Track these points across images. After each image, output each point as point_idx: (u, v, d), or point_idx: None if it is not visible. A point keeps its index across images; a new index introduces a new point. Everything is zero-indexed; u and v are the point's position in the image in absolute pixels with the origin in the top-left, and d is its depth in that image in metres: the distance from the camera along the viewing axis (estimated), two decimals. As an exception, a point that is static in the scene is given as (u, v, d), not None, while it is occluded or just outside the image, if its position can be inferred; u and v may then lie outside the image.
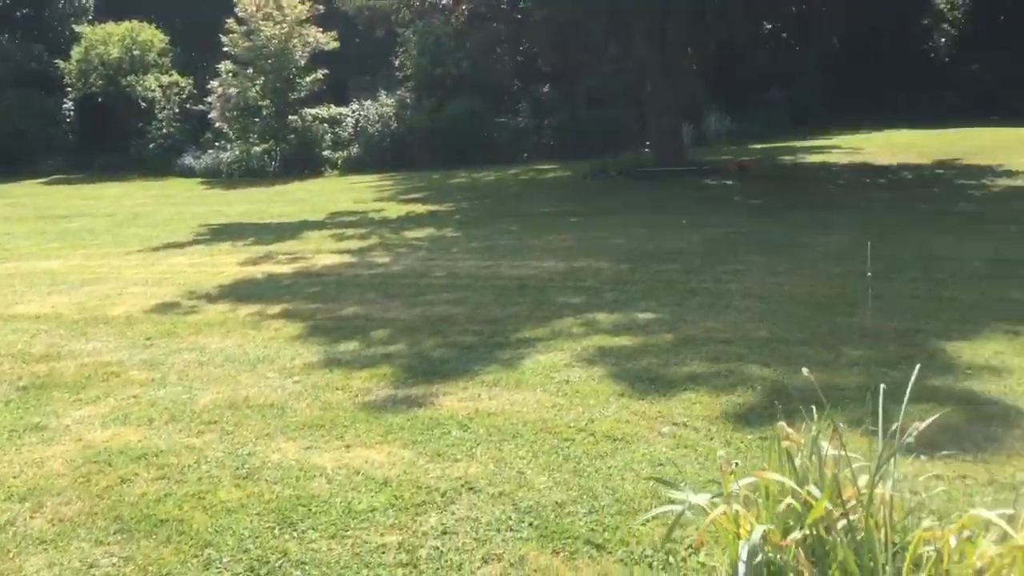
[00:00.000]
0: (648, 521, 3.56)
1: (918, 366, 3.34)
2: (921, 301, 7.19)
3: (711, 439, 4.59)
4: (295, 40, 23.90)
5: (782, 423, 2.87)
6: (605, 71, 24.58)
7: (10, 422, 5.22)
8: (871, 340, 6.14)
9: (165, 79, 27.03)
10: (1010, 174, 16.08)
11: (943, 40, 34.77)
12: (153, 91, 26.62)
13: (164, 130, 26.14)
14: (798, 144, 24.39)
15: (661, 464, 4.30)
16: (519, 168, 22.39)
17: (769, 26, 23.09)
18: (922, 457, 4.15)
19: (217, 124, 24.45)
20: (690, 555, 3.42)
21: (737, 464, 3.07)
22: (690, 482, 3.94)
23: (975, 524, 2.70)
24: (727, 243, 10.50)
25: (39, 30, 29.75)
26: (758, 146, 24.47)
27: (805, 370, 3.18)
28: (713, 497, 2.85)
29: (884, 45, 31.43)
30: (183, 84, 27.23)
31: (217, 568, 3.52)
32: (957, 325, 6.42)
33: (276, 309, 7.91)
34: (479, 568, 3.45)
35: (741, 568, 2.67)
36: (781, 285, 8.08)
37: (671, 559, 3.40)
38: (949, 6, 34.81)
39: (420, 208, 15.61)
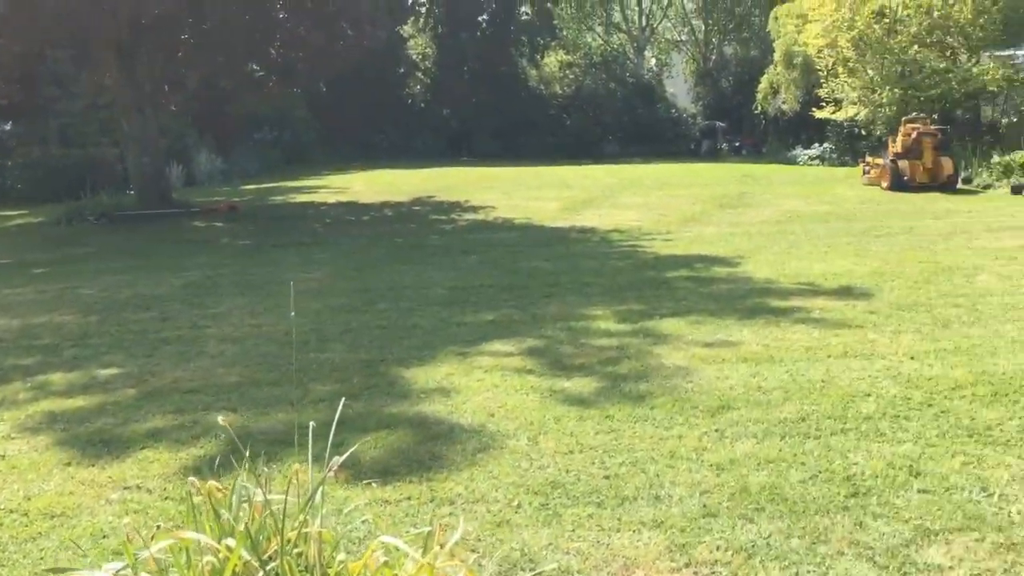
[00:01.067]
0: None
1: (343, 400, 3.44)
2: (388, 331, 7.60)
3: (166, 499, 4.31)
4: None
5: (192, 479, 2.74)
6: (79, 107, 22.68)
7: None
8: (338, 374, 6.32)
9: None
10: (474, 209, 17.95)
11: (418, 87, 38.09)
12: None
13: None
14: (290, 184, 24.77)
15: (106, 536, 3.92)
16: (-22, 214, 19.70)
17: (256, 67, 23.15)
18: (373, 484, 4.33)
19: None
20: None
21: (159, 527, 2.87)
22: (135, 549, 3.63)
23: (389, 549, 2.80)
24: (210, 286, 10.19)
25: None
26: (251, 186, 24.40)
27: (220, 418, 3.08)
28: (121, 568, 2.61)
29: (367, 90, 33.50)
30: None
31: None
32: (417, 351, 6.87)
33: None
34: None
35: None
36: (259, 326, 8.00)
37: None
38: (421, 57, 38.25)
39: None
